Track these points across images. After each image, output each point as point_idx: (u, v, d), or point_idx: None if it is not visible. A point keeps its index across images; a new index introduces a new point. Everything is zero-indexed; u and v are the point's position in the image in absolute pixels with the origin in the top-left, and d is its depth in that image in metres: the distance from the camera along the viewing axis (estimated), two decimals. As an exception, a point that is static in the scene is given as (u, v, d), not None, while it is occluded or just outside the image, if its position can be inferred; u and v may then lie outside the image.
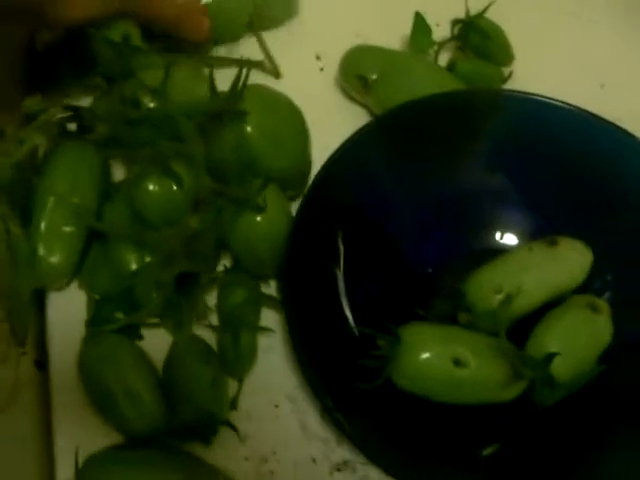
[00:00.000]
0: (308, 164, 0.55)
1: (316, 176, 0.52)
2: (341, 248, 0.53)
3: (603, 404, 0.51)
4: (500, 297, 0.51)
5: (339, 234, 0.53)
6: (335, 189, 0.53)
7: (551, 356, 0.48)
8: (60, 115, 0.53)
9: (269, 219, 0.50)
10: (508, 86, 0.62)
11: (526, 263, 0.52)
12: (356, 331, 0.52)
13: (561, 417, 0.51)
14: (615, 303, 0.53)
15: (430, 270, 0.55)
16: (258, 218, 0.50)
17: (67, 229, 0.52)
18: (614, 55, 0.67)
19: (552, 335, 0.50)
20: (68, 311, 0.54)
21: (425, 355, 0.48)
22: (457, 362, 0.48)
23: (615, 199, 0.55)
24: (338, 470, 0.51)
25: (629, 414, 0.51)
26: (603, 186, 0.55)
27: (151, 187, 0.50)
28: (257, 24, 0.61)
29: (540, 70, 0.63)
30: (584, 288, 0.54)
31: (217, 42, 0.62)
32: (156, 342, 0.53)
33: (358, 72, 0.59)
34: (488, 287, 0.51)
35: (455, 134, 0.56)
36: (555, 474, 0.49)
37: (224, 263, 0.55)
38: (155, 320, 0.54)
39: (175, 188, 0.50)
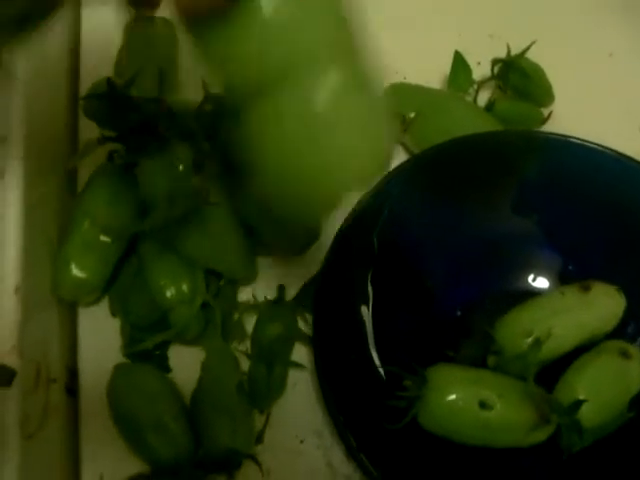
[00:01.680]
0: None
1: (350, 213, 0.53)
2: (370, 287, 0.53)
3: (632, 452, 0.51)
4: (530, 341, 0.50)
5: (370, 272, 0.53)
6: (368, 227, 0.53)
7: (579, 402, 0.48)
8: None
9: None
10: (547, 127, 0.62)
11: (557, 307, 0.51)
12: (382, 371, 0.51)
13: (588, 463, 0.50)
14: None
15: (460, 312, 0.55)
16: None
17: (100, 245, 0.53)
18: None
19: (581, 381, 0.50)
20: (100, 337, 0.55)
21: (451, 396, 0.48)
22: (483, 404, 0.48)
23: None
24: (360, 508, 0.51)
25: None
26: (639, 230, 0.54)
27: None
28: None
29: (579, 111, 0.62)
30: (617, 333, 0.53)
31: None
32: (185, 373, 0.53)
33: (396, 110, 0.60)
34: (518, 330, 0.51)
35: (491, 175, 0.55)
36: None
37: (265, 294, 0.56)
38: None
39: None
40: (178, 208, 0.50)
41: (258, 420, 0.53)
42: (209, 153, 0.52)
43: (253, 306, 0.55)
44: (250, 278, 0.57)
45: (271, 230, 0.52)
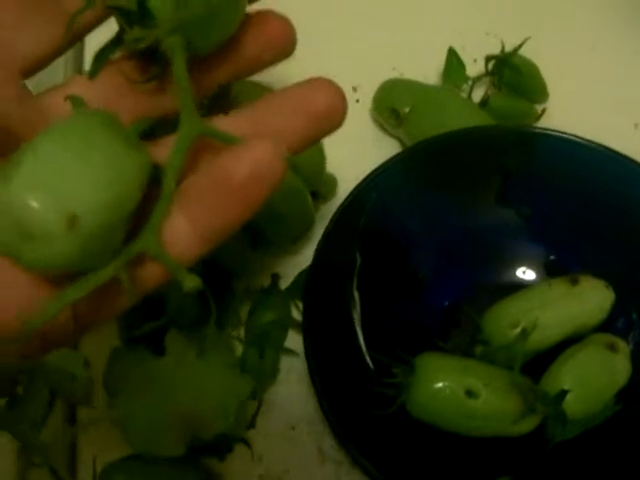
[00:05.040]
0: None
1: (342, 203, 0.54)
2: (360, 276, 0.54)
3: (619, 444, 0.51)
4: (516, 332, 0.51)
5: (359, 262, 0.54)
6: (359, 216, 0.54)
7: (564, 393, 0.49)
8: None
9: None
10: (541, 123, 0.62)
11: (545, 299, 0.52)
12: (370, 359, 0.52)
13: (575, 454, 0.51)
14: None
15: (449, 302, 0.56)
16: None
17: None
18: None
19: (566, 372, 0.51)
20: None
21: (438, 384, 0.49)
22: (469, 393, 0.49)
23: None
24: (350, 493, 0.52)
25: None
26: (631, 227, 0.55)
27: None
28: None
29: (574, 108, 0.63)
30: (607, 327, 0.54)
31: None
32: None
33: (391, 105, 0.61)
34: (505, 321, 0.52)
35: (482, 168, 0.56)
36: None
37: (261, 283, 0.57)
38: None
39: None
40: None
41: (251, 406, 0.54)
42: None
43: (247, 294, 0.56)
44: (245, 267, 0.57)
45: (264, 220, 0.53)
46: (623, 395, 0.52)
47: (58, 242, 0.26)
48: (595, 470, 0.51)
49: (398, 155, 0.55)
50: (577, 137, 0.56)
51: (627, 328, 0.54)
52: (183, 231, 0.30)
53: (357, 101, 0.65)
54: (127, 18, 0.31)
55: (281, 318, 0.55)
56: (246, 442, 0.52)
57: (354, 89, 0.65)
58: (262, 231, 0.54)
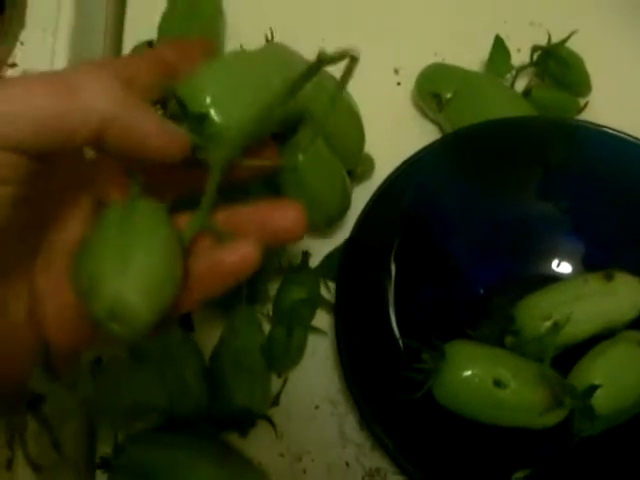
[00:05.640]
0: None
1: (380, 186, 0.53)
2: (394, 261, 0.54)
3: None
4: (548, 324, 0.51)
5: (395, 246, 0.53)
6: (397, 200, 0.54)
7: (593, 388, 0.48)
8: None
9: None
10: (583, 117, 0.62)
11: (578, 293, 0.52)
12: (401, 343, 0.52)
13: (600, 450, 0.51)
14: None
15: (482, 291, 0.55)
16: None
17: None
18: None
19: (597, 367, 0.50)
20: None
21: (467, 372, 0.49)
22: (497, 383, 0.49)
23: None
24: (370, 476, 0.52)
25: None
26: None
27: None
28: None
29: (616, 103, 0.62)
30: (638, 325, 0.53)
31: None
32: (207, 333, 0.55)
33: (433, 89, 0.60)
34: (537, 313, 0.51)
35: (522, 159, 0.56)
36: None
37: (292, 261, 0.57)
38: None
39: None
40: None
41: (276, 383, 0.54)
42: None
43: (277, 271, 0.56)
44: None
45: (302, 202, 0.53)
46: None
47: (141, 326, 0.33)
48: (618, 467, 0.50)
49: (439, 141, 0.55)
50: (620, 132, 0.55)
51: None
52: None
53: (398, 84, 0.65)
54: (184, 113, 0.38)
55: (310, 296, 0.54)
56: (268, 419, 0.52)
57: (395, 71, 0.65)
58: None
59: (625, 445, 0.51)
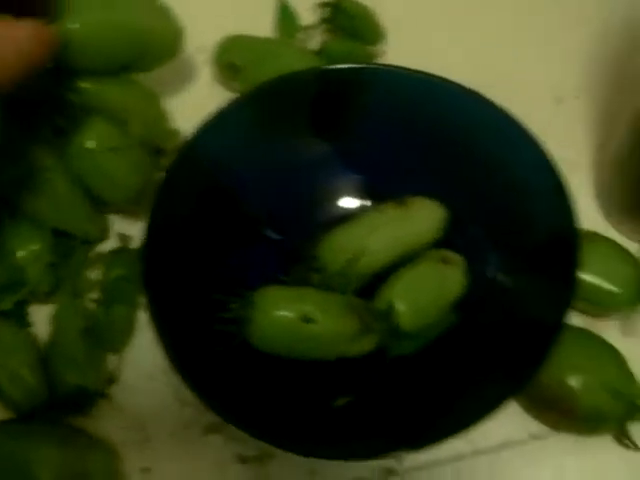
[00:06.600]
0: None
1: (174, 159, 0.55)
2: (200, 225, 0.55)
3: (460, 356, 0.53)
4: (347, 257, 0.53)
5: (195, 212, 0.55)
6: (196, 165, 0.55)
7: (392, 306, 0.51)
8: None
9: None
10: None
11: (374, 224, 0.54)
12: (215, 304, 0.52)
13: (417, 369, 0.53)
14: (478, 256, 0.55)
15: (290, 241, 0.57)
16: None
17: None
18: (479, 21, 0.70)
19: (396, 287, 0.53)
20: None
21: (275, 314, 0.50)
22: (306, 319, 0.51)
23: (472, 161, 0.57)
24: (209, 432, 0.54)
25: (489, 361, 0.52)
26: (461, 149, 0.57)
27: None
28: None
29: (412, 46, 0.64)
30: (447, 245, 0.56)
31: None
32: (43, 327, 0.56)
33: (228, 60, 0.62)
34: (337, 248, 0.54)
35: (314, 107, 0.57)
36: (416, 421, 0.50)
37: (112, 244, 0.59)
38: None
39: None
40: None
41: (111, 361, 0.56)
42: (40, 116, 0.55)
43: (100, 257, 0.58)
44: (100, 235, 0.59)
45: (101, 184, 0.55)
46: (463, 308, 0.54)
47: None
48: (437, 383, 0.53)
49: (231, 99, 0.56)
50: (399, 67, 0.57)
51: (466, 243, 0.56)
52: None
53: (203, 62, 0.66)
54: None
55: (131, 274, 0.56)
56: (103, 395, 0.54)
57: (200, 51, 0.66)
58: (98, 192, 0.55)
59: (441, 362, 0.53)
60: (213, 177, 0.56)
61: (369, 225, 0.54)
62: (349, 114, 0.58)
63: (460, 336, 0.54)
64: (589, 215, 0.60)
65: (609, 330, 0.56)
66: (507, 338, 0.52)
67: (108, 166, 0.53)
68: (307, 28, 0.64)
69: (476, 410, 0.48)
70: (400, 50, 0.65)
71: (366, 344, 0.52)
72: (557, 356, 0.49)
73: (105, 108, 0.54)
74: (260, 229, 0.57)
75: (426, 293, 0.53)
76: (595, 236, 0.57)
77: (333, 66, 0.58)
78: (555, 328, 0.49)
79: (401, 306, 0.51)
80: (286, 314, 0.51)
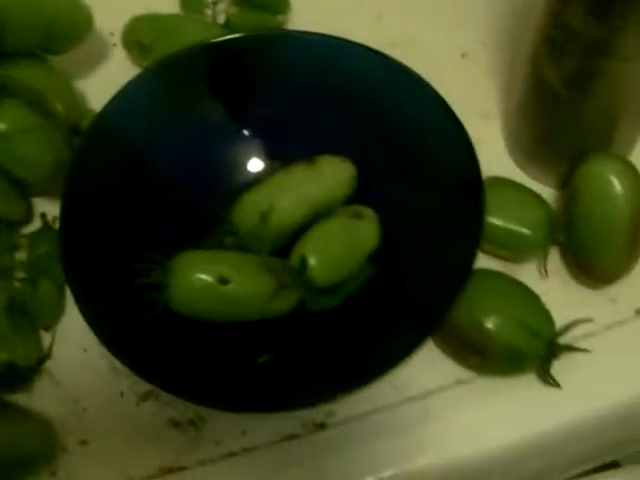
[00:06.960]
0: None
1: (86, 130, 0.57)
2: (114, 201, 0.57)
3: (383, 301, 0.55)
4: (258, 218, 0.55)
5: (111, 186, 0.57)
6: (105, 135, 0.57)
7: (305, 261, 0.52)
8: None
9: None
10: (286, 31, 0.65)
11: (283, 184, 0.56)
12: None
13: (339, 324, 0.55)
14: (392, 208, 0.57)
15: (203, 205, 0.58)
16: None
17: None
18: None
19: (308, 243, 0.54)
20: None
21: (192, 277, 0.52)
22: (222, 280, 0.52)
23: (380, 120, 0.59)
24: (144, 400, 0.56)
25: (404, 307, 0.55)
26: (369, 108, 0.59)
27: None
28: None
29: (317, 13, 0.66)
30: (359, 201, 0.57)
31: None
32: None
33: (135, 39, 0.64)
34: (248, 209, 0.56)
35: (220, 76, 0.59)
36: (339, 368, 0.52)
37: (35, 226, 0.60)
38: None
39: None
40: None
41: (45, 337, 0.57)
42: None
43: (25, 238, 0.59)
44: (23, 217, 0.61)
45: (16, 165, 0.56)
46: (378, 261, 0.56)
47: None
48: (357, 332, 0.55)
49: (131, 80, 0.58)
50: (299, 31, 0.59)
51: (377, 198, 0.58)
52: None
53: (114, 45, 0.68)
54: None
55: (55, 251, 0.57)
56: (36, 370, 0.55)
57: (112, 34, 0.68)
58: (15, 174, 0.56)
59: (360, 312, 0.55)
60: (123, 150, 0.57)
61: (278, 185, 0.56)
62: (252, 82, 0.60)
63: (377, 287, 0.56)
64: (502, 163, 0.62)
65: (526, 273, 0.58)
66: (420, 284, 0.55)
67: (21, 147, 0.55)
68: (214, 3, 0.66)
69: (395, 353, 0.51)
70: (306, 18, 0.67)
71: (285, 302, 0.54)
72: (473, 299, 0.52)
73: (18, 90, 0.55)
74: (174, 198, 0.59)
75: (339, 247, 0.54)
76: (506, 182, 0.59)
77: (224, 37, 0.59)
78: (464, 270, 0.51)
79: (313, 260, 0.53)
80: (202, 277, 0.52)
